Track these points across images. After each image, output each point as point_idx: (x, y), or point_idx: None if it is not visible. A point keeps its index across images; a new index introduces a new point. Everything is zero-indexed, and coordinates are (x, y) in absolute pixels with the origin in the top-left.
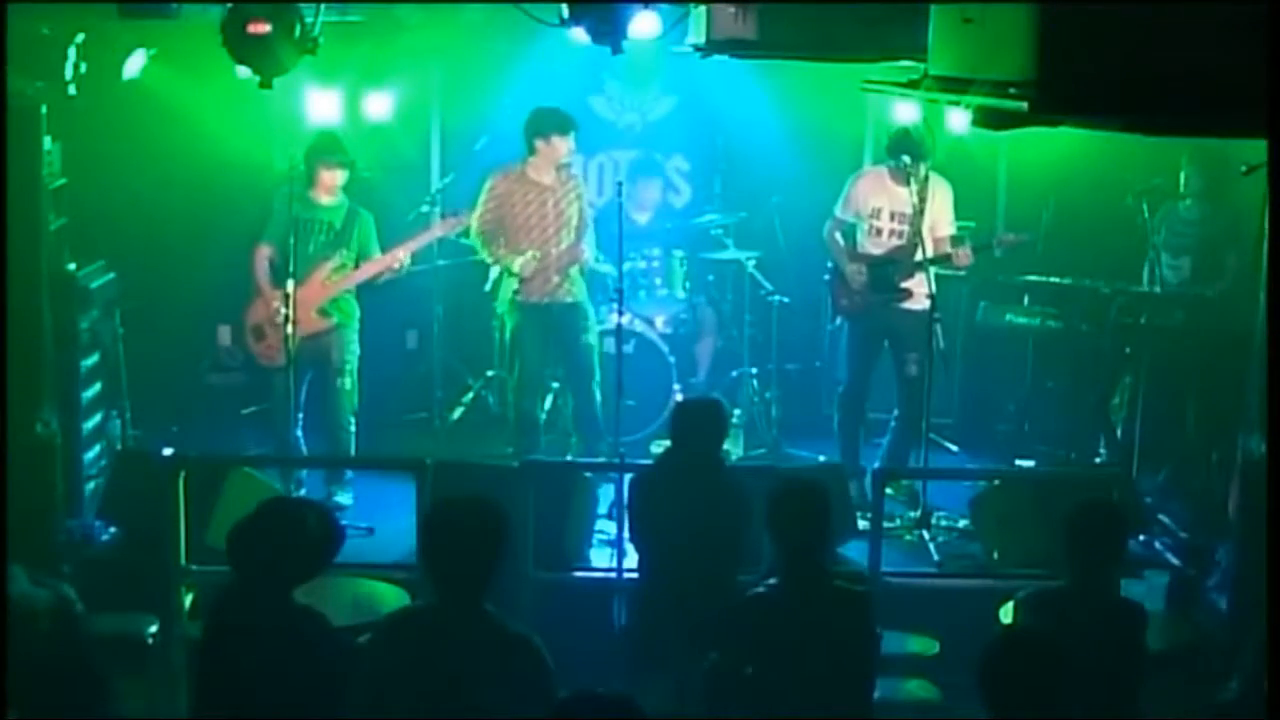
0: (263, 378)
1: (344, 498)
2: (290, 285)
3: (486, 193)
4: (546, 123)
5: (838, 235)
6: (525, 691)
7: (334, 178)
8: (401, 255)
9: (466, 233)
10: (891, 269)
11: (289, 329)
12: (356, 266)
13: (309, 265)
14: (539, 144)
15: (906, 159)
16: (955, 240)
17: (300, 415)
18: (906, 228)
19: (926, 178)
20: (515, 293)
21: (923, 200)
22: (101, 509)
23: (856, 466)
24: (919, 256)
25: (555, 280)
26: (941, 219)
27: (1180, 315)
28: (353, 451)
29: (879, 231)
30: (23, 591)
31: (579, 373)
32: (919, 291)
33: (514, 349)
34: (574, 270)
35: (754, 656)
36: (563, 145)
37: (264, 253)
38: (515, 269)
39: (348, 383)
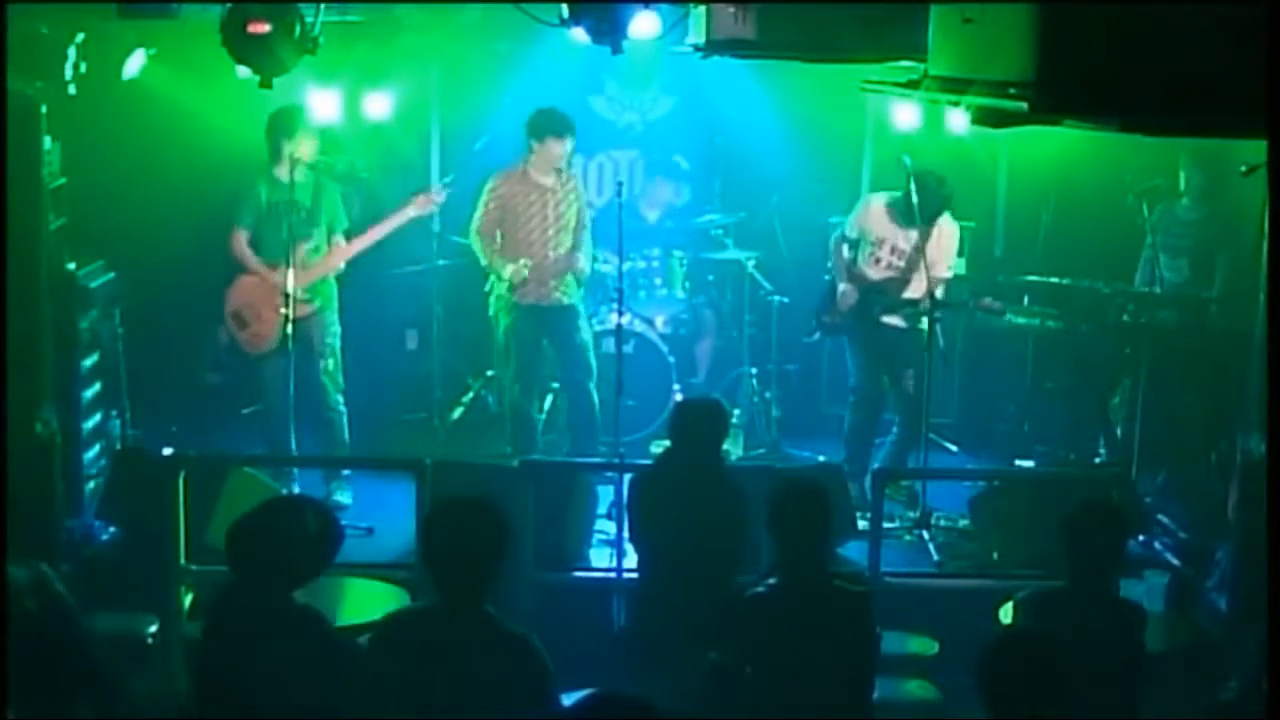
0: (255, 369)
1: (343, 496)
2: (282, 269)
3: (488, 193)
4: (542, 125)
5: (844, 249)
6: (524, 692)
7: (298, 149)
8: (375, 236)
9: (466, 232)
10: (874, 298)
11: (285, 311)
12: (329, 243)
13: (285, 249)
14: (535, 145)
15: (916, 202)
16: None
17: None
18: (903, 264)
19: (933, 222)
20: (510, 293)
21: (923, 246)
22: (101, 508)
23: (865, 469)
24: (906, 294)
25: (551, 284)
26: (940, 260)
27: (1180, 315)
28: (346, 433)
29: (878, 260)
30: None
31: (575, 371)
32: (899, 321)
33: (507, 349)
34: (569, 276)
35: (754, 656)
36: (558, 147)
37: (241, 236)
38: (505, 275)
39: (330, 364)
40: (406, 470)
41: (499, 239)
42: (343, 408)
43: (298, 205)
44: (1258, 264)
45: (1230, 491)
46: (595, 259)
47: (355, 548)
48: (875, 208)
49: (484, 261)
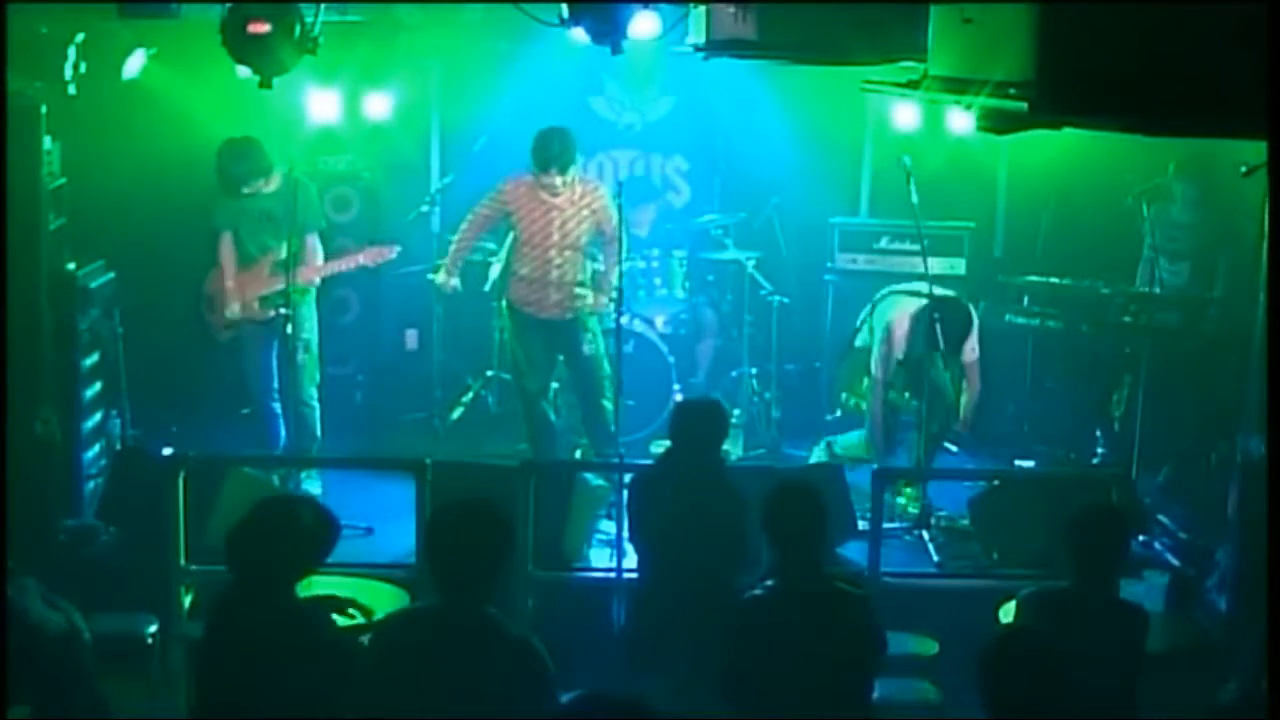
0: (236, 362)
1: (312, 485)
2: (242, 275)
3: (494, 193)
4: (540, 155)
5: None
6: (525, 693)
7: (258, 183)
8: (314, 276)
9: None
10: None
11: (236, 310)
12: (303, 247)
13: (251, 257)
14: (538, 171)
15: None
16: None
17: (276, 386)
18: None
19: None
20: (510, 302)
21: (953, 379)
22: (101, 509)
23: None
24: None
25: (555, 298)
26: (973, 380)
27: (1179, 316)
28: (318, 427)
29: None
30: (38, 612)
31: (585, 385)
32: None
33: (514, 358)
34: (579, 287)
35: (752, 657)
36: (557, 179)
37: (226, 238)
38: (438, 277)
39: (302, 357)
40: (406, 470)
41: (476, 231)
42: (315, 402)
43: (267, 214)
44: (1257, 265)
45: (1230, 491)
46: (594, 259)
47: (355, 548)
48: (901, 319)
49: (453, 240)
